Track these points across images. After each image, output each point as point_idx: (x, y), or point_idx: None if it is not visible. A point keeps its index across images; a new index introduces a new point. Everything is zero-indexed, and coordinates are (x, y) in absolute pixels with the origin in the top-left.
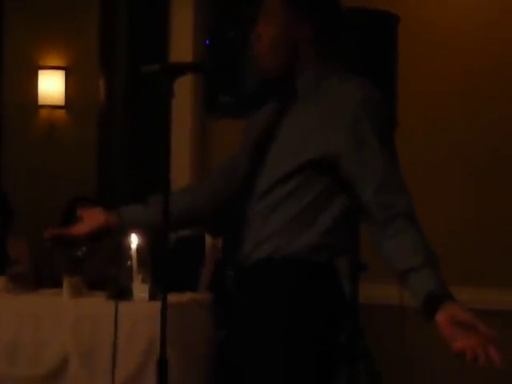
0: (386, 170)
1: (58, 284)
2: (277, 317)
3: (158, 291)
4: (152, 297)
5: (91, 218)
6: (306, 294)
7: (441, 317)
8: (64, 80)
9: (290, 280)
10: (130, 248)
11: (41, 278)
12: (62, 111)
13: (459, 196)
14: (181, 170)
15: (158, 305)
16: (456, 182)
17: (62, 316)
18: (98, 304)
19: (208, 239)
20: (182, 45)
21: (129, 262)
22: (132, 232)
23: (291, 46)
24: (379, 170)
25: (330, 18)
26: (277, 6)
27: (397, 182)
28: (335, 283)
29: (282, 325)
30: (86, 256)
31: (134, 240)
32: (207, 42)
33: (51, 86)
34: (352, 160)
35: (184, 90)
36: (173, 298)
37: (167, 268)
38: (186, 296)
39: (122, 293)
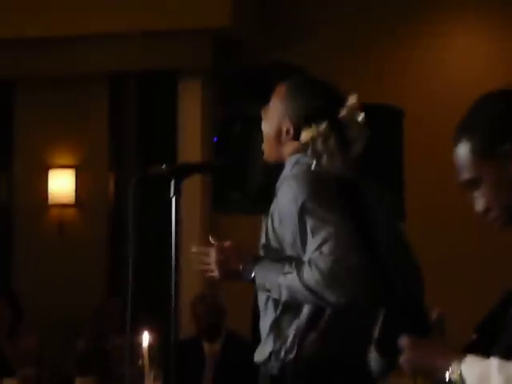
0: None
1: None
2: None
3: None
4: None
5: None
6: None
7: None
8: (74, 179)
9: None
10: (141, 346)
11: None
12: (73, 209)
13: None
14: (192, 268)
15: None
16: (456, 273)
17: None
18: None
19: (205, 343)
20: (191, 143)
21: (140, 361)
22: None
23: (275, 135)
24: None
25: (313, 113)
26: (273, 105)
27: None
28: None
29: None
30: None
31: (145, 339)
32: (214, 139)
33: (62, 184)
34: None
35: (193, 186)
36: None
37: (176, 367)
38: None
39: None
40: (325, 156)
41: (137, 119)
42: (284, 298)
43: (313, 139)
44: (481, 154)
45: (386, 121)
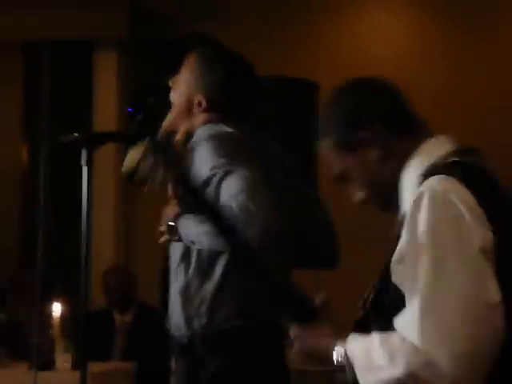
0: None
1: None
2: None
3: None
4: (75, 366)
5: None
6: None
7: None
8: None
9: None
10: (52, 317)
11: None
12: None
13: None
14: (105, 238)
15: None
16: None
17: None
18: (20, 375)
19: (117, 314)
20: (106, 113)
21: (51, 331)
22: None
23: (185, 109)
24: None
25: (225, 88)
26: (183, 75)
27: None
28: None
29: None
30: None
31: (57, 309)
32: (129, 109)
33: None
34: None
35: (108, 156)
36: (95, 366)
37: (87, 337)
38: (109, 365)
39: (43, 363)
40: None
41: (51, 89)
42: (206, 246)
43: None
44: (341, 147)
45: (300, 94)
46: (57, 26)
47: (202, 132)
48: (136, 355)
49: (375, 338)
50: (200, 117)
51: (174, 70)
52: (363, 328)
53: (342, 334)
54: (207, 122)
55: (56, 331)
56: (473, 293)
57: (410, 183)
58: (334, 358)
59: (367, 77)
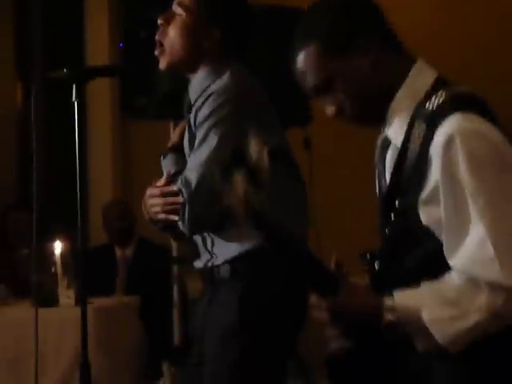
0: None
1: None
2: None
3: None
4: (78, 302)
5: None
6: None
7: None
8: None
9: None
10: (53, 254)
11: None
12: None
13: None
14: (103, 174)
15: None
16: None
17: None
18: (23, 311)
19: (117, 249)
20: (99, 48)
21: (53, 268)
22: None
23: (196, 44)
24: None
25: (239, 22)
26: (186, 9)
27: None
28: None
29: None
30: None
31: (58, 246)
32: (121, 44)
33: None
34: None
35: (103, 92)
36: (100, 301)
37: (88, 273)
38: (114, 299)
39: (47, 299)
40: None
41: (43, 26)
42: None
43: None
44: (330, 51)
45: (290, 23)
46: None
47: (211, 75)
48: (138, 289)
49: (437, 283)
50: (210, 52)
51: (167, 3)
52: (380, 285)
53: (379, 297)
54: (216, 57)
55: (58, 268)
56: None
57: (404, 110)
58: (387, 319)
59: None
